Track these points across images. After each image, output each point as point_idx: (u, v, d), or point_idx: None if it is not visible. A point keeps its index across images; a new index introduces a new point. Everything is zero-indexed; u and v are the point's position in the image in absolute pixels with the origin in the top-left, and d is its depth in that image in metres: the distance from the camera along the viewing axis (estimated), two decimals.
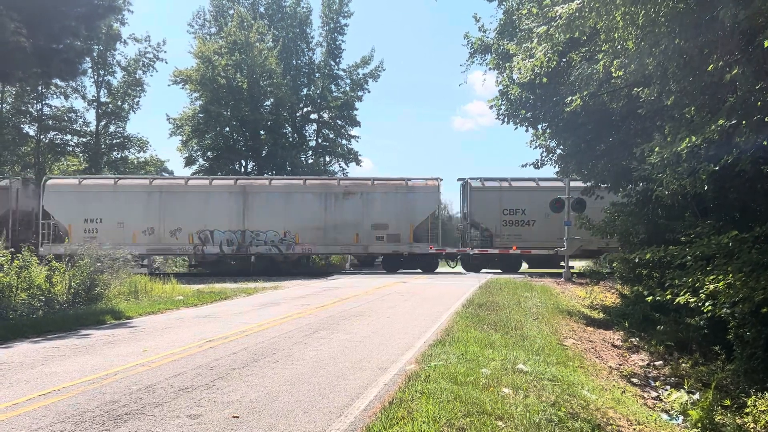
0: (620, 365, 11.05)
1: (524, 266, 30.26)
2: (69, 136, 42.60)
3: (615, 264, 15.72)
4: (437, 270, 29.43)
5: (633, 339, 13.00)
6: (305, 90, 47.18)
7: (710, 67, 8.36)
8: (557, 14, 8.94)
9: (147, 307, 14.26)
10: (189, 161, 42.88)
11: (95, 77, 41.85)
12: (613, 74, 10.45)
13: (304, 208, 28.09)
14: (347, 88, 47.37)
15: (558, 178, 22.88)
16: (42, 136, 41.87)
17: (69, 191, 28.16)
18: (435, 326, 11.10)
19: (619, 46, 9.71)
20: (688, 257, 10.44)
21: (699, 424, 7.65)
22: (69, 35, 15.24)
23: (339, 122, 47.82)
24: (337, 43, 47.01)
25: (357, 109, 47.49)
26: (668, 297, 10.83)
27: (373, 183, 28.61)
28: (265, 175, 28.82)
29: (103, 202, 27.80)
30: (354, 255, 30.16)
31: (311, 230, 27.95)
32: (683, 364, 10.95)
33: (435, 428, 5.19)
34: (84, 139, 43.05)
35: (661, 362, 11.43)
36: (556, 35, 9.37)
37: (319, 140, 48.04)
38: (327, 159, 48.19)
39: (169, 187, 28.66)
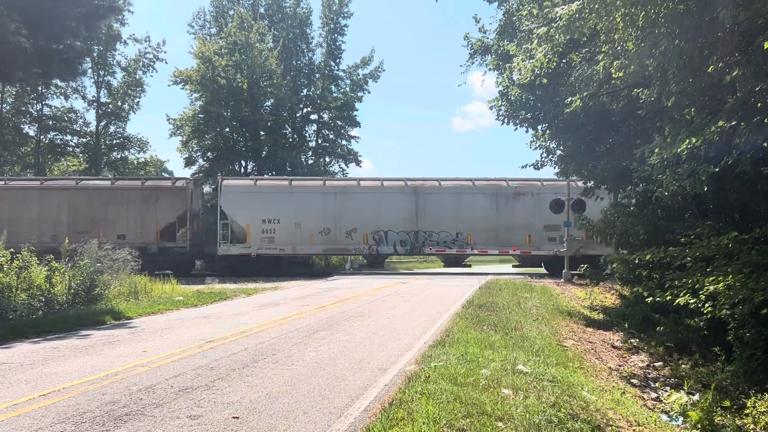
0: (620, 366, 11.04)
1: None
2: (69, 137, 42.70)
3: (615, 265, 15.70)
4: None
5: (633, 340, 12.99)
6: (305, 90, 47.22)
7: (710, 69, 8.36)
8: (557, 15, 8.95)
9: (147, 307, 14.26)
10: (189, 162, 42.96)
11: (95, 77, 41.94)
12: (613, 75, 10.45)
13: (475, 209, 27.95)
14: (347, 89, 47.41)
15: None
16: (42, 137, 41.94)
17: (245, 192, 28.56)
18: (435, 327, 11.11)
19: (619, 47, 9.72)
20: (688, 258, 10.44)
21: (699, 425, 7.64)
22: (69, 36, 15.26)
23: (339, 123, 47.87)
24: (337, 43, 47.07)
25: (357, 110, 47.58)
26: (668, 298, 10.82)
27: (542, 183, 28.25)
28: (435, 176, 29.14)
29: (279, 203, 28.14)
30: (523, 256, 29.50)
31: (483, 231, 27.83)
32: (683, 365, 10.94)
33: (435, 429, 5.19)
34: (84, 140, 43.13)
35: (660, 363, 11.42)
36: (556, 36, 9.38)
37: (319, 141, 48.08)
38: (327, 159, 48.25)
39: (343, 188, 28.93)
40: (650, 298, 11.94)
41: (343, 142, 48.23)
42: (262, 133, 42.90)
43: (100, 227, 27.33)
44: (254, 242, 27.58)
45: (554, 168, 17.52)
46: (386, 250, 28.01)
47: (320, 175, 40.33)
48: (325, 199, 28.34)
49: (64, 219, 27.59)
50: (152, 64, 43.65)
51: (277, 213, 27.90)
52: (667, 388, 9.83)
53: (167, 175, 30.85)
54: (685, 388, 9.33)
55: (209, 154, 42.88)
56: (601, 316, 16.01)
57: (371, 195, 28.28)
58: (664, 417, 8.28)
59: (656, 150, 10.21)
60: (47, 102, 41.96)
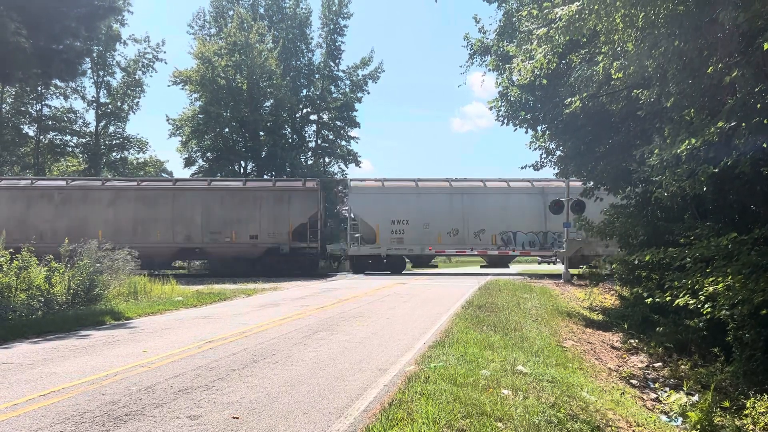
0: (619, 367, 11.04)
1: None
2: (68, 137, 42.72)
3: (614, 266, 15.70)
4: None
5: (632, 341, 12.99)
6: (305, 91, 47.24)
7: (710, 69, 8.37)
8: (557, 16, 8.96)
9: (146, 307, 14.25)
10: (188, 162, 42.98)
11: (95, 78, 41.97)
12: (613, 76, 10.46)
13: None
14: (347, 89, 47.43)
15: None
16: (41, 137, 41.92)
17: (374, 193, 28.90)
18: (434, 327, 11.11)
19: (618, 48, 9.73)
20: (688, 259, 10.44)
21: (698, 426, 7.64)
22: (69, 36, 15.26)
23: (338, 123, 47.91)
24: (337, 44, 47.10)
25: (356, 110, 47.64)
26: (667, 299, 10.82)
27: None
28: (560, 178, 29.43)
29: (407, 204, 28.50)
30: None
31: None
32: (682, 366, 10.95)
33: (434, 429, 5.20)
34: (83, 140, 43.14)
35: (660, 364, 11.43)
36: (556, 37, 9.39)
37: (319, 141, 48.11)
38: (326, 160, 48.27)
39: (470, 189, 29.07)
40: (650, 299, 11.94)
41: (343, 143, 48.30)
42: (261, 133, 42.91)
43: (233, 227, 27.94)
44: (384, 242, 28.09)
45: (554, 169, 17.56)
46: (515, 250, 28.17)
47: (320, 176, 40.34)
48: (452, 200, 28.65)
49: (197, 220, 28.09)
50: (152, 64, 43.72)
51: (405, 214, 28.32)
52: (667, 389, 9.83)
53: (298, 177, 31.25)
54: (685, 389, 9.33)
55: (209, 154, 42.91)
56: (600, 317, 16.02)
57: (498, 196, 28.44)
58: (664, 417, 8.28)
59: (656, 151, 10.21)
60: (47, 102, 42.03)
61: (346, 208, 29.99)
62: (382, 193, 28.81)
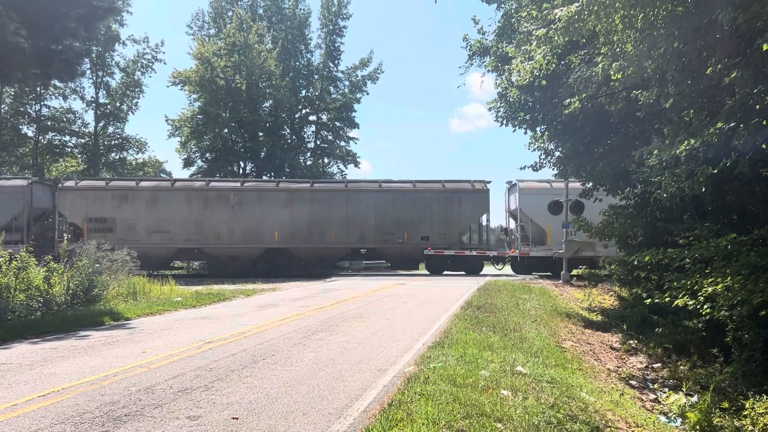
0: (619, 367, 11.05)
1: None
2: (67, 137, 42.71)
3: (613, 266, 15.72)
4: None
5: (631, 341, 13.00)
6: (304, 91, 47.26)
7: (709, 70, 8.38)
8: (556, 17, 8.97)
9: (145, 308, 14.24)
10: (188, 162, 42.97)
11: (94, 78, 41.98)
12: (612, 77, 10.46)
13: None
14: (346, 90, 47.44)
15: None
16: (40, 137, 41.90)
17: (542, 194, 28.64)
18: (434, 328, 11.11)
19: (617, 49, 9.73)
20: (687, 260, 10.45)
21: (697, 427, 7.64)
22: (68, 36, 15.25)
23: (337, 124, 47.93)
24: (336, 44, 47.12)
25: (355, 111, 47.65)
26: (667, 299, 10.83)
27: None
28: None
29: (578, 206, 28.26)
30: None
31: None
32: (681, 367, 10.95)
33: (434, 430, 5.20)
34: (82, 140, 43.12)
35: (659, 365, 11.43)
36: (555, 38, 9.39)
37: (318, 142, 48.12)
38: (326, 161, 48.29)
39: None
40: (649, 300, 11.95)
41: (342, 143, 48.32)
42: (260, 134, 42.92)
43: (405, 228, 28.15)
44: (554, 244, 27.81)
45: (553, 169, 17.59)
46: None
47: (319, 176, 40.35)
48: None
49: (371, 221, 28.32)
50: (151, 64, 43.73)
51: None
52: (666, 390, 9.84)
53: (467, 178, 31.19)
54: (684, 390, 9.34)
55: (208, 155, 42.92)
56: (599, 318, 16.03)
57: None
58: (663, 418, 8.28)
59: (655, 151, 10.22)
60: (46, 102, 42.02)
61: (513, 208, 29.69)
62: (551, 195, 28.46)
